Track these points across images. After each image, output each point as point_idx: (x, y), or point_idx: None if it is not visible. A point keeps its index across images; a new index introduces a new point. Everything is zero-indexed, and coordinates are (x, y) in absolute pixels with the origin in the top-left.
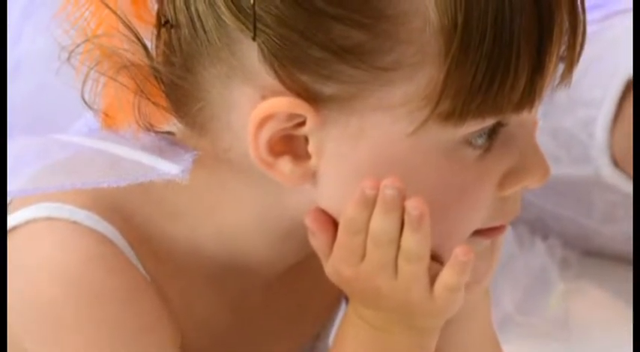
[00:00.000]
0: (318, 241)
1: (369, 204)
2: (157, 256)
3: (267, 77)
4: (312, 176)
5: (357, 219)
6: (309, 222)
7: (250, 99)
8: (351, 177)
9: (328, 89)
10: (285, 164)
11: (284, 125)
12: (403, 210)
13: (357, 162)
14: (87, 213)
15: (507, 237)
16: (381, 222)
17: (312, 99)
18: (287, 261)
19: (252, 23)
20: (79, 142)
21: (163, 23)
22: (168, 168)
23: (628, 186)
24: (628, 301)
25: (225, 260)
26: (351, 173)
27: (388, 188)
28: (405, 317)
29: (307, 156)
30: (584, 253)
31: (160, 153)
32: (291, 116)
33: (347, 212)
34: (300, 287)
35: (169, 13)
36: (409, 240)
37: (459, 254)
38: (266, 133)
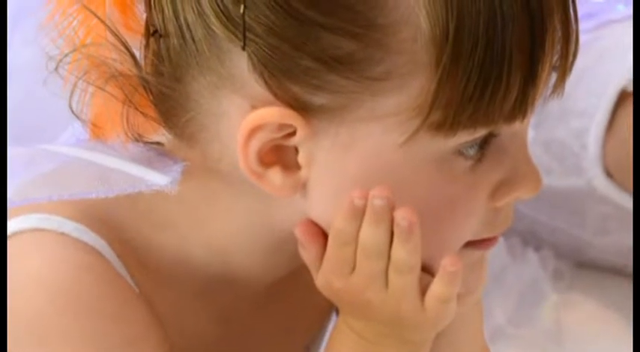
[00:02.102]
0: (308, 253)
1: (358, 215)
2: (145, 267)
3: (256, 87)
4: (303, 187)
5: (346, 230)
6: (299, 233)
7: (240, 109)
8: (342, 188)
9: (318, 99)
10: (275, 175)
11: (274, 135)
12: (393, 221)
13: (347, 172)
14: (75, 225)
15: (499, 248)
16: (370, 233)
17: (303, 109)
18: (277, 273)
19: (242, 33)
20: (67, 153)
21: (152, 33)
22: (157, 179)
23: (621, 198)
24: (620, 312)
25: (214, 271)
26: (341, 184)
27: (377, 198)
28: (396, 329)
29: (297, 166)
30: (576, 264)
31: (149, 163)
32: (281, 126)
33: (336, 223)
34: (291, 299)
35: (158, 23)
36: (399, 250)
37: (447, 264)
38: (256, 144)
